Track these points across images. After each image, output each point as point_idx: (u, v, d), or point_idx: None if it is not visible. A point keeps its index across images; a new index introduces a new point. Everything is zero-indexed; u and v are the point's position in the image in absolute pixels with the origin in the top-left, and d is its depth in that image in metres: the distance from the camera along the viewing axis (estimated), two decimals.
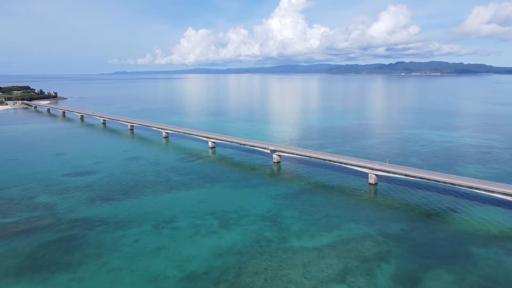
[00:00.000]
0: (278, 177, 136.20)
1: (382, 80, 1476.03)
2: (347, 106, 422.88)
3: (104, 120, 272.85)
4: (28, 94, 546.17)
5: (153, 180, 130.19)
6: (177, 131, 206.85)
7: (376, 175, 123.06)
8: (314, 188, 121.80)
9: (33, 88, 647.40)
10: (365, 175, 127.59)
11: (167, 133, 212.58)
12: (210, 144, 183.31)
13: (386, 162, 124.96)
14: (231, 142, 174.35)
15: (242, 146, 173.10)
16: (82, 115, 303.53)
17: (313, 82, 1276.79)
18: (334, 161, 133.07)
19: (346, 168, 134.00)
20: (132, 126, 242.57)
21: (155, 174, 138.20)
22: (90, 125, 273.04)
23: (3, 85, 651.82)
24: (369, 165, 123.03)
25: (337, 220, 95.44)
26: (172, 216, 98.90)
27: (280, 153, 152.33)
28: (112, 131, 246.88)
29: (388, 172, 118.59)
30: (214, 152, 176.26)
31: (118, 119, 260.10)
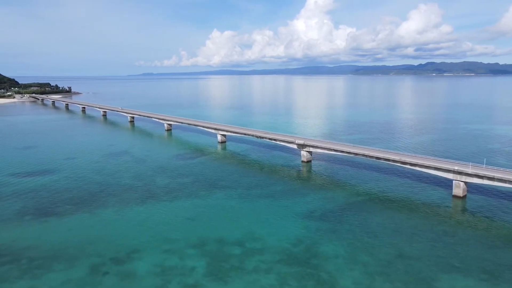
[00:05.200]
0: (309, 183, 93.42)
1: (414, 80, 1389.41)
2: (384, 102, 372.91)
3: (105, 111, 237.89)
4: (42, 89, 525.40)
5: (128, 185, 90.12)
6: (180, 122, 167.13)
7: (466, 183, 78.27)
8: (366, 201, 78.30)
9: (53, 85, 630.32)
10: (446, 183, 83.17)
11: (170, 124, 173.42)
12: (219, 137, 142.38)
13: (483, 164, 79.30)
14: (245, 134, 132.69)
15: (259, 140, 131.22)
16: (84, 107, 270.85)
17: (341, 82, 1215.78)
18: (395, 161, 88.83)
19: (412, 171, 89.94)
20: (133, 117, 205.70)
21: (136, 175, 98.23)
22: (89, 117, 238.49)
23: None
24: (456, 168, 78.18)
25: (424, 267, 51.80)
26: (131, 248, 57.94)
27: (311, 149, 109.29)
28: (110, 123, 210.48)
29: (493, 179, 73.38)
30: (223, 148, 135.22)
31: (118, 110, 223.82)
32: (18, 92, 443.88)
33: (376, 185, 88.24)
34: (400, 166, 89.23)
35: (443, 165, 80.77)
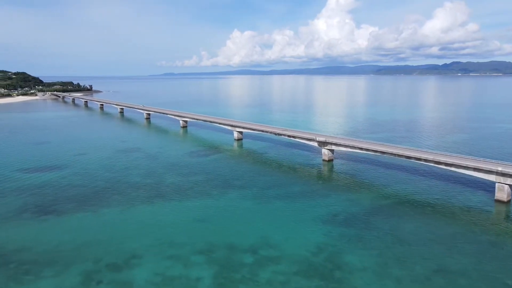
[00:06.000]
0: (330, 183, 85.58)
1: (439, 79, 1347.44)
2: (409, 100, 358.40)
3: (122, 108, 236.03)
4: (64, 88, 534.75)
5: (136, 182, 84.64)
6: (196, 119, 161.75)
7: (511, 186, 68.91)
8: (396, 205, 69.89)
9: (76, 83, 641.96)
10: (487, 185, 73.92)
11: (185, 121, 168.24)
12: (235, 135, 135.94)
13: None
14: (263, 131, 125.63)
15: (278, 137, 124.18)
16: (102, 104, 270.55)
17: (362, 81, 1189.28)
18: (428, 161, 79.82)
19: (447, 172, 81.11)
20: (149, 114, 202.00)
21: (146, 172, 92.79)
22: (106, 114, 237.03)
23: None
24: (499, 169, 68.86)
25: (470, 284, 43.79)
26: (131, 253, 51.88)
27: (333, 147, 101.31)
28: (126, 119, 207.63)
29: None
30: (240, 146, 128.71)
31: (134, 107, 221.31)
32: (41, 90, 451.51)
33: (406, 187, 79.59)
34: (433, 166, 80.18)
35: (484, 166, 71.44)
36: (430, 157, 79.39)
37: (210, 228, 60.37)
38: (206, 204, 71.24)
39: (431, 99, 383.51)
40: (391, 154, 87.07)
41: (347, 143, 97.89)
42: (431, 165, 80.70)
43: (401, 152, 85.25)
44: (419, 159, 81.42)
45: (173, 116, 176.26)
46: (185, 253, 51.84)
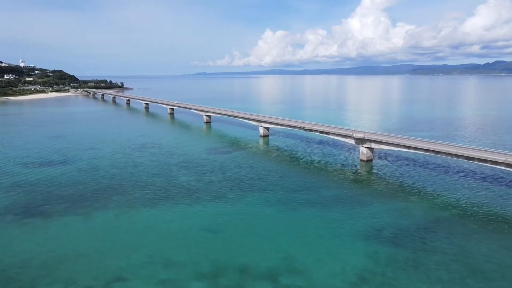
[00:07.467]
0: (370, 188, 70.93)
1: (481, 79, 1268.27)
2: (454, 98, 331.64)
3: (147, 103, 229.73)
4: (97, 85, 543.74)
5: (144, 181, 73.78)
6: (219, 114, 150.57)
7: None
8: (459, 218, 54.61)
9: (108, 81, 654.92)
10: None
11: (209, 116, 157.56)
12: (261, 131, 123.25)
13: None
14: (291, 127, 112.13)
15: (308, 133, 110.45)
16: (129, 100, 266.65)
17: (398, 81, 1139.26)
18: (496, 163, 63.61)
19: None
20: (173, 109, 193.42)
21: (157, 170, 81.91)
22: (131, 109, 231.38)
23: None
24: None
25: None
26: (116, 273, 40.41)
27: (373, 145, 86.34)
28: (149, 114, 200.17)
29: None
30: (266, 143, 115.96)
31: (159, 101, 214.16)
32: (75, 87, 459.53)
33: (469, 195, 63.79)
34: (505, 170, 63.97)
35: None
36: (500, 158, 63.14)
37: (220, 242, 47.99)
38: (219, 209, 58.96)
39: (476, 96, 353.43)
40: (447, 154, 71.21)
41: (390, 140, 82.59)
42: (501, 169, 64.52)
43: (460, 151, 69.29)
44: (485, 160, 65.29)
45: (196, 111, 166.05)
46: (183, 277, 39.75)
